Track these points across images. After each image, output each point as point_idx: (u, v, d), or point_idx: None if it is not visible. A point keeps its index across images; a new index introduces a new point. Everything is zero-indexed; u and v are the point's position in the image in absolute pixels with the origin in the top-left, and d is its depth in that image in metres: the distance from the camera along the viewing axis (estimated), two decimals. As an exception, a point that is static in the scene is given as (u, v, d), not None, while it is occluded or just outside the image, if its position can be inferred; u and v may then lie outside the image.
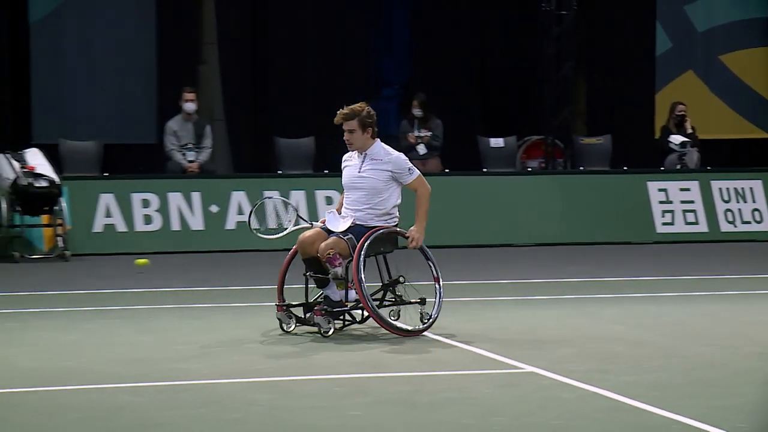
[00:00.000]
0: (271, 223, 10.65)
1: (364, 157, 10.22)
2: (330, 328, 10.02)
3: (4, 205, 16.26)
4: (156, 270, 15.07)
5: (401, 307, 10.43)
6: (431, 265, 10.35)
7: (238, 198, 17.52)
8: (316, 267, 10.09)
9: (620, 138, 20.47)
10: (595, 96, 22.02)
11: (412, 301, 10.37)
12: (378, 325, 10.20)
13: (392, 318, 10.32)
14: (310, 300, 10.33)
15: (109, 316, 11.76)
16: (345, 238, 10.00)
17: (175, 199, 17.38)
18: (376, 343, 10.09)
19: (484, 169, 19.52)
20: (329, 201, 17.75)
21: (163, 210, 17.30)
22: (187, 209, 17.40)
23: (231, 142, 20.42)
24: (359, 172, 10.22)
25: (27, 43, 20.06)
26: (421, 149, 18.98)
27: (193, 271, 15.38)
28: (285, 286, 10.40)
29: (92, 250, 16.64)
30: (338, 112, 10.19)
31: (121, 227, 17.15)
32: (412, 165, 10.33)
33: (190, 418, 7.56)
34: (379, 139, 10.33)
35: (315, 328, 10.12)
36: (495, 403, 7.92)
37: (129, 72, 20.49)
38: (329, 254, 9.89)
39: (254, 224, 10.55)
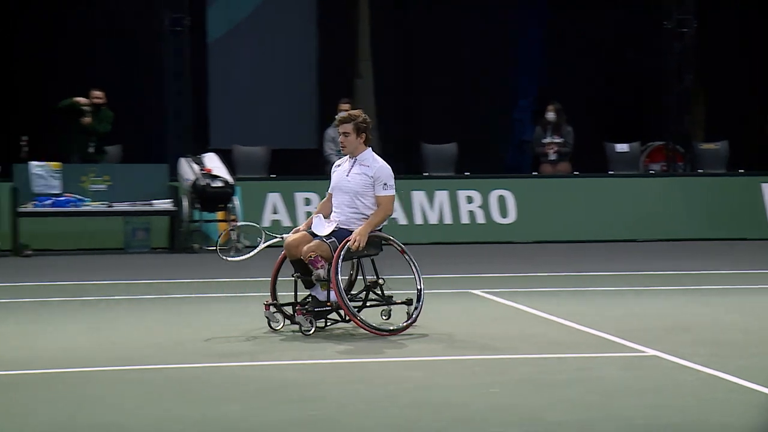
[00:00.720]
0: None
1: (354, 162, 9.62)
2: (311, 328, 9.39)
3: (186, 203, 16.55)
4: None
5: (391, 307, 9.79)
6: (413, 267, 9.65)
7: (390, 197, 17.58)
8: (303, 269, 9.49)
9: (736, 143, 20.07)
10: (713, 104, 21.66)
11: (398, 302, 9.72)
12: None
13: (383, 317, 9.71)
14: (299, 300, 9.66)
15: (239, 301, 11.85)
16: (328, 241, 9.39)
17: (336, 198, 17.49)
18: (507, 328, 10.03)
19: (611, 172, 19.29)
20: (470, 200, 17.75)
21: (323, 207, 17.44)
22: (345, 207, 17.49)
23: (382, 147, 20.48)
24: (347, 175, 9.61)
25: (205, 60, 20.42)
26: (552, 155, 18.84)
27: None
28: (280, 286, 9.84)
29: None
30: (336, 116, 9.80)
31: (286, 222, 17.33)
32: (392, 183, 9.61)
33: (347, 392, 7.58)
34: (371, 148, 9.71)
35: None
36: (619, 384, 7.80)
37: (293, 85, 20.73)
38: (310, 257, 9.32)
39: (222, 254, 9.90)
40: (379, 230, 9.64)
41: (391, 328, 9.51)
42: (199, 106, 20.32)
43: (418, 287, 9.60)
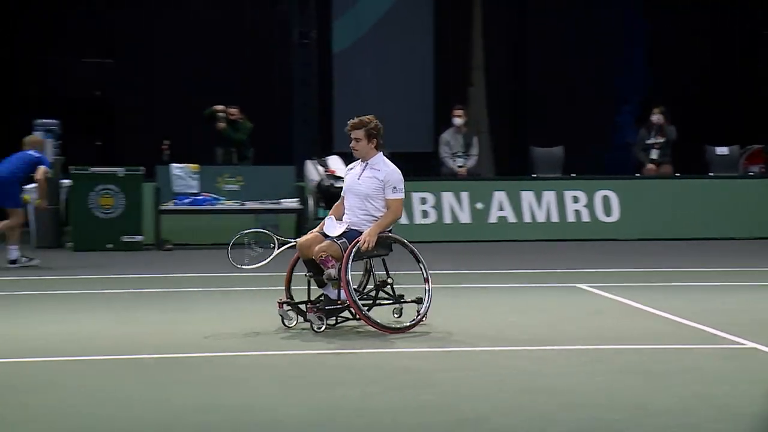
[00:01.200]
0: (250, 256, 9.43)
1: (365, 166, 9.30)
2: (322, 325, 9.06)
3: (311, 202, 16.64)
4: (428, 256, 15.19)
5: (402, 305, 9.39)
6: (422, 267, 9.34)
7: (500, 197, 17.50)
8: (315, 268, 9.18)
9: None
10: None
11: (408, 300, 9.36)
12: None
13: (395, 315, 9.32)
14: (312, 298, 9.34)
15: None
16: (338, 242, 9.07)
17: (448, 197, 17.48)
18: (611, 320, 9.88)
19: (711, 174, 18.90)
20: (576, 200, 17.55)
21: (438, 206, 17.44)
22: (457, 206, 17.47)
23: (493, 151, 20.40)
24: (358, 179, 9.29)
25: (330, 70, 20.55)
26: (654, 154, 18.51)
27: (462, 257, 15.40)
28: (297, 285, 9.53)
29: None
30: (348, 122, 9.44)
31: (403, 220, 17.24)
32: (401, 186, 9.25)
33: (459, 379, 7.54)
34: (382, 153, 9.38)
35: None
36: (719, 374, 7.62)
37: (411, 93, 20.76)
38: (321, 257, 9.01)
39: (235, 261, 9.34)
40: (389, 231, 9.30)
41: (399, 326, 9.13)
42: (325, 113, 20.46)
43: (426, 287, 9.25)
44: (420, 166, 19.31)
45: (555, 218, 17.55)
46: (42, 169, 13.66)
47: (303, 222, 16.72)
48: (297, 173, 17.10)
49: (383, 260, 9.36)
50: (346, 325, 9.40)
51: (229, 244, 9.28)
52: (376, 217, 9.21)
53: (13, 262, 13.49)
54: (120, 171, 16.06)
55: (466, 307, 10.82)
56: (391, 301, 9.38)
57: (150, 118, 19.51)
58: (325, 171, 16.69)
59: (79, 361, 8.19)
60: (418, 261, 9.35)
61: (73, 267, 13.88)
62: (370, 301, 9.35)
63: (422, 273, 9.33)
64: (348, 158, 17.60)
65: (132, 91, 19.21)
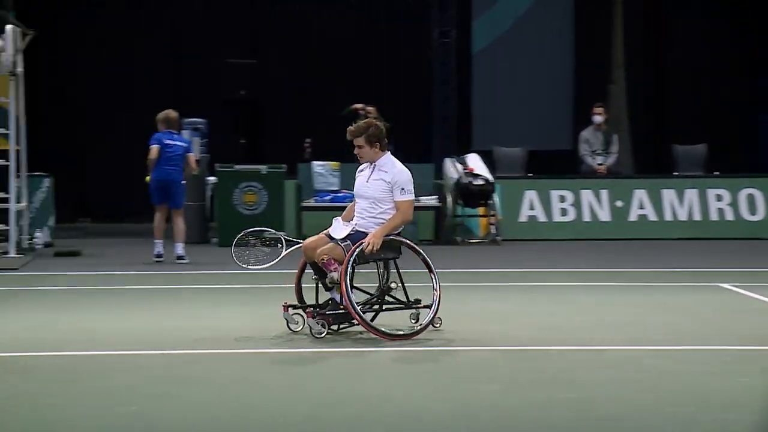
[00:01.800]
0: (255, 255, 9.14)
1: (374, 168, 8.95)
2: (322, 330, 8.60)
3: (450, 199, 16.58)
4: (568, 254, 15.01)
5: (419, 310, 8.90)
6: (431, 273, 8.84)
7: (640, 195, 17.21)
8: (320, 271, 8.78)
9: None
10: None
11: (420, 305, 8.86)
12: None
13: (412, 320, 8.86)
14: (321, 301, 8.91)
15: (531, 290, 11.71)
16: (342, 244, 8.68)
17: (587, 195, 17.22)
18: (754, 320, 9.54)
19: None
20: (719, 198, 17.13)
21: (577, 204, 17.20)
22: (596, 204, 17.20)
23: (633, 149, 19.99)
24: (367, 181, 8.95)
25: (470, 69, 20.46)
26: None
27: (602, 255, 15.14)
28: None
29: (519, 237, 16.72)
30: (348, 129, 9.06)
31: (542, 218, 17.16)
32: (410, 187, 8.86)
33: (598, 377, 7.37)
34: (390, 153, 9.02)
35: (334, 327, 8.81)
36: None
37: (550, 91, 20.53)
38: (323, 259, 8.63)
39: (240, 261, 9.10)
40: (398, 234, 8.88)
41: (401, 332, 8.67)
42: (463, 111, 20.37)
43: (435, 293, 8.77)
44: (559, 164, 19.07)
45: (697, 216, 17.14)
46: (191, 157, 13.88)
47: (441, 219, 16.68)
48: (436, 171, 17.06)
49: (396, 264, 8.89)
50: (487, 319, 9.29)
51: (232, 244, 9.04)
52: (384, 220, 8.81)
53: (181, 258, 13.75)
54: (263, 168, 16.25)
55: (608, 304, 10.60)
56: (397, 306, 8.89)
57: (293, 117, 19.70)
58: (464, 169, 16.61)
59: (222, 354, 8.27)
60: (428, 266, 8.86)
61: (217, 262, 14.06)
62: (377, 307, 8.85)
63: (431, 279, 8.83)
64: (487, 156, 17.57)
65: (275, 90, 19.42)
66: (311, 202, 16.33)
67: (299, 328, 8.84)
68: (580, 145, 18.02)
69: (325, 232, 8.97)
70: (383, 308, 8.89)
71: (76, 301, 10.82)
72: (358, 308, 8.52)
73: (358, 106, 17.59)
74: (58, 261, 14.04)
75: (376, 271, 8.87)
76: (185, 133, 16.50)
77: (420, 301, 8.87)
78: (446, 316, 9.23)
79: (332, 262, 8.62)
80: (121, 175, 19.07)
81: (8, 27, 13.78)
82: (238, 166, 16.30)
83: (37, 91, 15.74)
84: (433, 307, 8.76)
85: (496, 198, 16.56)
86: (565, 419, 6.31)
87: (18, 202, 14.14)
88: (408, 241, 8.96)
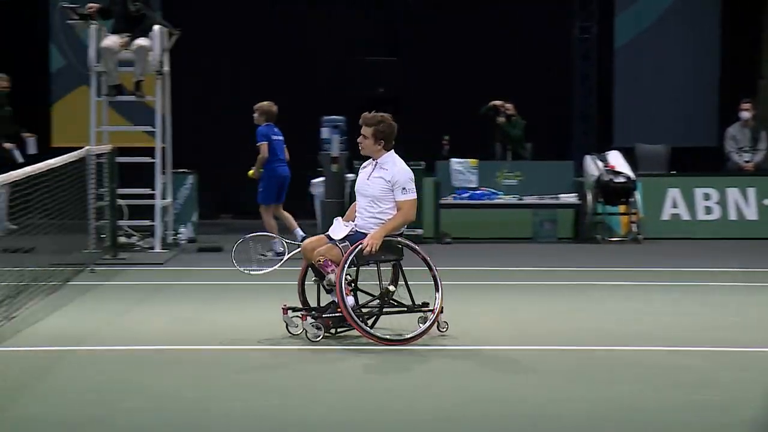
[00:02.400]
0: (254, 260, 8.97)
1: (375, 165, 8.70)
2: (318, 334, 8.39)
3: (590, 197, 16.46)
4: (713, 253, 14.77)
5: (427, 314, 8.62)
6: (434, 275, 8.63)
7: (789, 193, 16.84)
8: (319, 273, 8.58)
9: None
10: None
11: (427, 309, 8.61)
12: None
13: (420, 324, 8.55)
14: (323, 304, 8.68)
15: (674, 290, 11.56)
16: (341, 245, 8.47)
17: (733, 193, 16.89)
18: None
19: None
20: None
21: (722, 202, 16.88)
22: (743, 202, 16.86)
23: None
24: (368, 179, 8.70)
25: (612, 64, 20.25)
26: None
27: (748, 254, 14.83)
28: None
29: (661, 235, 16.49)
30: (363, 114, 8.75)
31: (685, 216, 16.90)
32: (411, 186, 8.63)
33: (737, 380, 7.26)
34: (393, 151, 8.76)
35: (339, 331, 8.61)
36: None
37: (694, 86, 20.17)
38: (320, 261, 8.42)
39: (241, 266, 8.92)
40: (399, 235, 8.68)
41: (399, 338, 8.44)
42: (604, 107, 20.17)
43: (437, 297, 8.56)
44: (703, 162, 18.73)
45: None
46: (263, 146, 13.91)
47: (581, 217, 16.57)
48: (576, 168, 16.95)
49: (400, 266, 8.72)
50: (626, 319, 9.22)
51: (232, 249, 8.94)
52: (384, 220, 8.59)
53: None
54: (401, 166, 16.35)
55: (754, 305, 10.41)
56: (399, 309, 8.66)
57: (431, 115, 19.79)
58: (605, 166, 16.47)
59: (351, 351, 8.40)
60: (430, 269, 8.66)
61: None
62: (377, 310, 8.65)
63: (433, 282, 8.61)
64: (629, 153, 17.37)
65: (414, 88, 19.53)
66: (450, 200, 16.41)
67: (299, 331, 8.62)
68: (726, 141, 17.70)
69: (326, 232, 8.80)
70: (383, 312, 8.64)
71: (218, 295, 11.11)
72: (352, 312, 8.28)
73: (497, 102, 17.62)
74: (201, 256, 14.41)
75: (377, 273, 8.58)
76: (325, 131, 16.77)
77: (427, 304, 8.63)
78: (588, 315, 9.22)
79: (329, 263, 8.42)
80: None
81: (156, 27, 14.22)
82: (376, 164, 16.44)
83: (181, 89, 16.15)
84: (436, 310, 8.52)
85: (637, 196, 16.38)
86: (708, 422, 6.24)
87: (163, 198, 14.58)
88: (410, 243, 8.74)
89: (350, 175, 16.70)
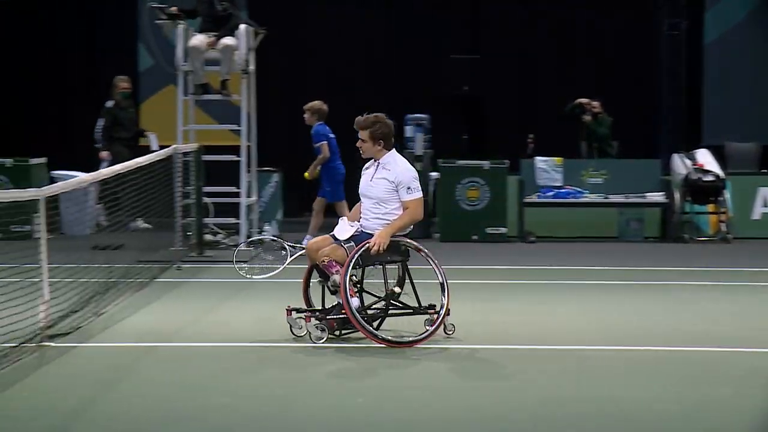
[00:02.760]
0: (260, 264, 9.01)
1: (377, 166, 8.63)
2: (322, 336, 8.35)
3: (677, 196, 16.28)
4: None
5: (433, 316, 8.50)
6: (440, 277, 8.52)
7: None
8: (323, 274, 8.51)
9: None
10: None
11: (433, 312, 8.51)
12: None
13: (427, 326, 8.45)
14: (327, 306, 8.64)
15: (763, 291, 11.39)
16: (345, 246, 8.41)
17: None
18: None
19: None
20: None
21: (813, 202, 16.61)
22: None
23: None
24: (371, 180, 8.64)
25: (701, 61, 19.99)
26: None
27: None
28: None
29: (751, 235, 16.24)
30: (357, 118, 8.68)
31: (787, 217, 16.67)
32: (416, 185, 8.54)
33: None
34: (394, 150, 8.70)
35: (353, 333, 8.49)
36: None
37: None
38: (324, 261, 8.36)
39: (244, 273, 8.99)
40: (405, 235, 8.57)
41: (406, 339, 8.33)
42: (693, 105, 19.91)
43: (443, 299, 8.47)
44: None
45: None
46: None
47: (669, 216, 16.40)
48: (663, 167, 16.77)
49: (406, 267, 8.63)
50: (718, 319, 9.11)
51: (234, 253, 8.98)
52: (389, 221, 8.50)
53: None
54: (485, 164, 16.36)
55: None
56: (404, 312, 8.59)
57: (516, 113, 19.72)
58: (693, 164, 16.28)
59: (446, 350, 8.41)
60: (436, 267, 8.56)
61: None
62: (381, 312, 8.57)
63: (440, 284, 8.51)
64: (718, 151, 17.14)
65: (498, 86, 19.48)
66: (534, 198, 16.34)
67: (303, 333, 8.55)
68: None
69: (332, 233, 8.72)
70: (388, 313, 8.56)
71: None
72: (357, 313, 8.21)
73: (583, 100, 17.50)
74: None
75: (382, 274, 8.52)
76: (408, 129, 16.81)
77: (434, 306, 8.53)
78: (674, 316, 9.12)
79: (333, 264, 8.38)
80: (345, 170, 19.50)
81: (242, 26, 14.38)
82: (460, 162, 16.47)
83: (267, 88, 16.30)
84: (443, 313, 8.40)
85: (726, 194, 16.15)
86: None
87: (248, 196, 14.73)
88: (414, 243, 8.60)
89: (434, 174, 16.73)
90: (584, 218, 16.56)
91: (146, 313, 9.90)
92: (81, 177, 10.64)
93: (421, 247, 8.64)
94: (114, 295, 10.24)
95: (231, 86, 14.67)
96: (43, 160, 16.55)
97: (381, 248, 8.34)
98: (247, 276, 9.01)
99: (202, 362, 7.99)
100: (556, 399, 6.79)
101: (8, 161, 16.10)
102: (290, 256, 8.94)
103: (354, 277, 8.38)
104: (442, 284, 8.50)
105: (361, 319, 8.24)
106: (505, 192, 16.29)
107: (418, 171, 15.91)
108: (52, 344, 8.33)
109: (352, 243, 8.47)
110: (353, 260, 8.32)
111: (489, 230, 16.11)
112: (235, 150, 14.71)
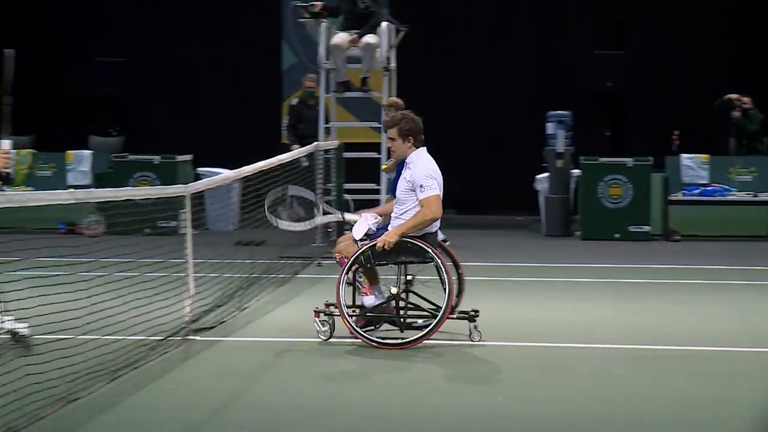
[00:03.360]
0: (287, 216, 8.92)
1: (404, 165, 8.43)
2: (326, 332, 8.38)
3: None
4: None
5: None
6: (446, 284, 8.19)
7: None
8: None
9: None
10: None
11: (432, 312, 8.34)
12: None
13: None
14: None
15: None
16: (360, 243, 8.32)
17: None
18: None
19: None
20: None
21: None
22: None
23: None
24: (397, 179, 8.51)
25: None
26: None
27: None
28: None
29: None
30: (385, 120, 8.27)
31: None
32: (429, 183, 8.20)
33: None
34: (423, 148, 8.45)
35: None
36: None
37: None
38: (336, 257, 8.33)
39: (273, 216, 8.88)
40: (420, 236, 8.27)
41: (399, 341, 8.20)
42: None
43: (444, 303, 8.19)
44: None
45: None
46: None
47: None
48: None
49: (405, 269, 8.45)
50: None
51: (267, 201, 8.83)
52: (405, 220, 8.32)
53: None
54: (628, 161, 16.14)
55: None
56: (416, 314, 8.50)
57: (660, 109, 19.39)
58: None
59: (582, 349, 8.36)
60: (440, 272, 8.31)
61: (580, 255, 14.15)
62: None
63: (443, 285, 8.26)
64: None
65: (642, 81, 19.17)
66: (679, 196, 16.06)
67: (328, 336, 8.50)
68: None
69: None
70: (399, 315, 8.40)
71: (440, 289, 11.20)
72: (373, 310, 8.28)
73: (733, 96, 17.10)
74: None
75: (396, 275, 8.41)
76: (550, 126, 16.69)
77: (439, 309, 8.27)
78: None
79: (344, 260, 8.35)
80: (483, 168, 19.49)
81: (383, 24, 14.48)
82: (603, 159, 16.29)
83: (407, 85, 16.36)
84: (441, 317, 8.15)
85: None
86: None
87: (387, 194, 14.83)
88: (422, 244, 8.29)
89: (576, 171, 16.58)
90: (731, 216, 16.19)
91: (288, 308, 10.06)
92: (225, 174, 10.87)
93: (432, 248, 8.29)
94: (256, 290, 10.44)
95: (372, 83, 14.78)
96: (189, 157, 16.94)
97: (387, 246, 8.14)
98: (276, 222, 8.91)
99: (342, 357, 8.08)
100: (684, 400, 6.67)
101: (156, 158, 16.51)
102: (320, 216, 9.01)
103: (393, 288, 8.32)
104: (445, 289, 8.23)
105: (348, 316, 8.24)
106: (648, 189, 16.05)
107: (559, 169, 16.01)
108: (197, 338, 8.54)
109: (366, 240, 8.42)
110: (353, 257, 8.27)
111: (632, 228, 15.90)
112: (375, 147, 14.82)
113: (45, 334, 7.11)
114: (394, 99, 13.71)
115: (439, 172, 8.41)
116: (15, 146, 17.45)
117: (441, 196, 8.30)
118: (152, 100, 19.94)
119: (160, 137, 19.13)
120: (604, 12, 19.70)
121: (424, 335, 8.20)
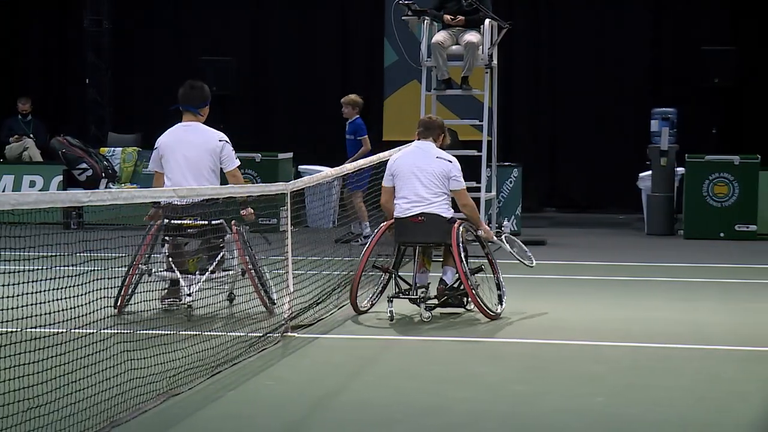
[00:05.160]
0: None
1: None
2: (388, 311, 9.21)
3: None
4: None
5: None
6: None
7: None
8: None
9: None
10: None
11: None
12: None
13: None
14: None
15: None
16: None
17: None
18: None
19: None
20: None
21: None
22: None
23: None
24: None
25: None
26: None
27: None
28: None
29: None
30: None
31: None
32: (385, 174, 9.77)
33: None
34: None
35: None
36: None
37: None
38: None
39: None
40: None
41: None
42: None
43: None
44: None
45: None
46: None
47: None
48: None
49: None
50: None
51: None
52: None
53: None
54: (735, 159, 15.84)
55: None
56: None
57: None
58: None
59: (689, 350, 8.23)
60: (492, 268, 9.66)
61: (683, 254, 13.93)
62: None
63: (493, 271, 9.64)
64: None
65: (754, 77, 18.76)
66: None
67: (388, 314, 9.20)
68: None
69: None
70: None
71: (541, 288, 11.14)
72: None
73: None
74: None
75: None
76: (654, 123, 16.43)
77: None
78: None
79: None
80: (586, 165, 19.31)
81: (486, 21, 14.40)
82: (708, 157, 16.00)
83: (509, 83, 16.28)
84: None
85: None
86: None
87: (488, 191, 14.74)
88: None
89: (680, 169, 16.31)
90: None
91: (384, 304, 10.04)
92: (325, 171, 10.92)
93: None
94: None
95: (473, 81, 14.70)
96: (289, 154, 17.06)
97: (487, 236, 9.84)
98: (529, 264, 9.95)
99: (442, 355, 8.06)
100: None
101: (258, 156, 16.66)
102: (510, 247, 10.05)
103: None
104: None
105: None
106: (756, 188, 15.73)
107: (662, 166, 15.73)
108: (296, 335, 8.60)
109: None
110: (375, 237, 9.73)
111: (738, 227, 15.59)
112: (476, 145, 14.75)
113: (147, 329, 7.21)
114: (353, 96, 14.50)
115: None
116: (121, 144, 17.88)
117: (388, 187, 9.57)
118: (255, 100, 20.13)
119: (263, 136, 19.32)
120: (715, 7, 19.32)
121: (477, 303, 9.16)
